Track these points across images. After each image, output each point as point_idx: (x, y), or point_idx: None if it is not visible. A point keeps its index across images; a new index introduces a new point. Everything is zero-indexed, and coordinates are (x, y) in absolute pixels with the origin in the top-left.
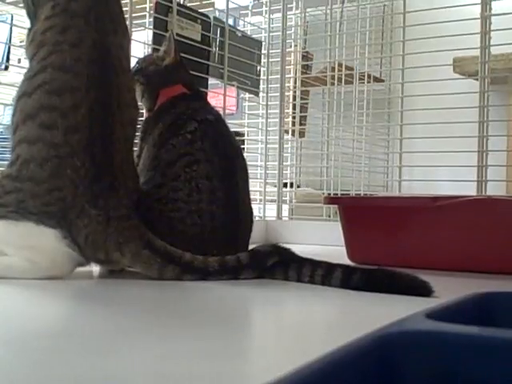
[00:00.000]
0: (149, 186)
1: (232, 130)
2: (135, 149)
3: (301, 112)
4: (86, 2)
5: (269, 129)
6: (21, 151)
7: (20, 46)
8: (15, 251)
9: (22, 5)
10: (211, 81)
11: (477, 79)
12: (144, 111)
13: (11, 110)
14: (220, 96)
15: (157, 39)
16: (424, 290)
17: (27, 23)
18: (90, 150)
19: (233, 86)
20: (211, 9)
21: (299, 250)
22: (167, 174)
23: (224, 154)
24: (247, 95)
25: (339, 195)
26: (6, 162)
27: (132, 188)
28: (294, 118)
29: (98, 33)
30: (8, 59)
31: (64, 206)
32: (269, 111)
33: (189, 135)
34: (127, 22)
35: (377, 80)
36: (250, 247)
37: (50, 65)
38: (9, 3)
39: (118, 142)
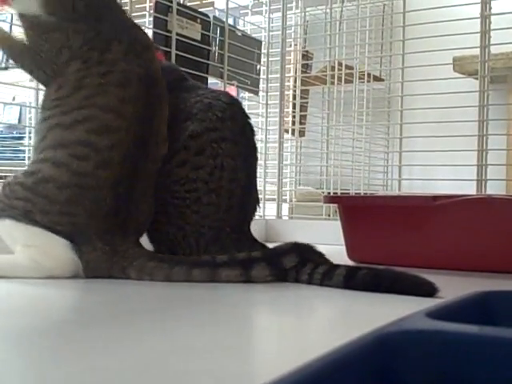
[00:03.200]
0: (172, 165)
1: None
2: None
3: (301, 111)
4: (120, 47)
5: (268, 128)
6: (43, 168)
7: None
8: (21, 248)
9: None
10: (211, 80)
11: (477, 78)
12: None
13: (36, 128)
14: None
15: (157, 39)
16: (428, 290)
17: None
18: (116, 187)
19: (233, 85)
20: (211, 8)
21: None
22: (191, 146)
23: (248, 140)
24: (247, 94)
25: (339, 194)
26: (5, 162)
27: (143, 221)
28: (293, 117)
29: (141, 67)
30: (8, 59)
31: (72, 230)
32: (269, 110)
33: (220, 113)
34: None
35: (377, 79)
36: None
37: (93, 104)
38: None
39: (143, 180)
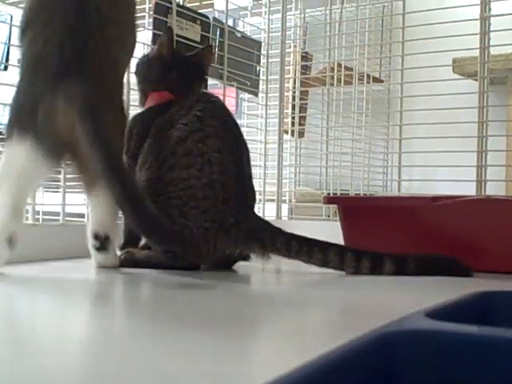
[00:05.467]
0: (163, 170)
1: None
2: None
3: (300, 112)
4: None
5: (268, 129)
6: None
7: (19, 46)
8: None
9: (22, 5)
10: (211, 81)
11: (476, 79)
12: None
13: None
14: (219, 96)
15: (156, 40)
16: None
17: None
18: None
19: (232, 86)
20: (211, 9)
21: None
22: (178, 151)
23: (232, 133)
24: (247, 95)
25: (338, 195)
26: None
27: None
28: (293, 118)
29: None
30: (7, 59)
31: None
32: (268, 111)
33: (199, 113)
34: None
35: (376, 80)
36: None
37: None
38: (9, 4)
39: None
